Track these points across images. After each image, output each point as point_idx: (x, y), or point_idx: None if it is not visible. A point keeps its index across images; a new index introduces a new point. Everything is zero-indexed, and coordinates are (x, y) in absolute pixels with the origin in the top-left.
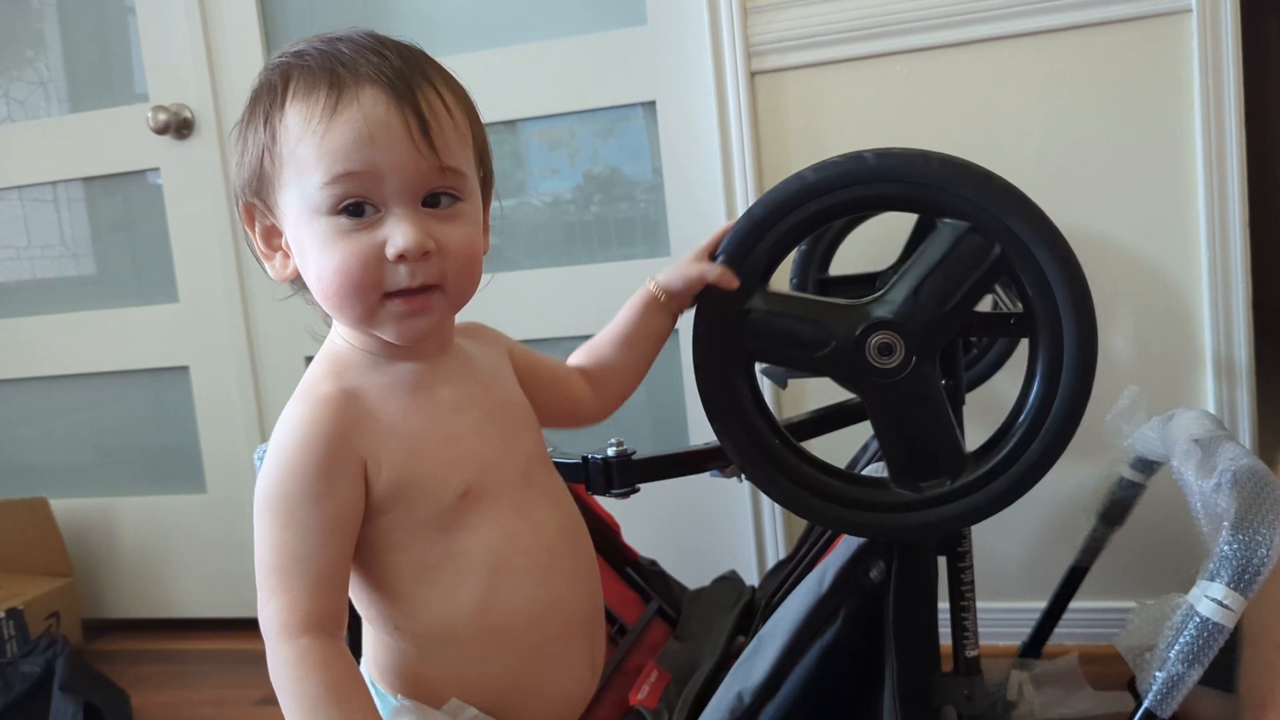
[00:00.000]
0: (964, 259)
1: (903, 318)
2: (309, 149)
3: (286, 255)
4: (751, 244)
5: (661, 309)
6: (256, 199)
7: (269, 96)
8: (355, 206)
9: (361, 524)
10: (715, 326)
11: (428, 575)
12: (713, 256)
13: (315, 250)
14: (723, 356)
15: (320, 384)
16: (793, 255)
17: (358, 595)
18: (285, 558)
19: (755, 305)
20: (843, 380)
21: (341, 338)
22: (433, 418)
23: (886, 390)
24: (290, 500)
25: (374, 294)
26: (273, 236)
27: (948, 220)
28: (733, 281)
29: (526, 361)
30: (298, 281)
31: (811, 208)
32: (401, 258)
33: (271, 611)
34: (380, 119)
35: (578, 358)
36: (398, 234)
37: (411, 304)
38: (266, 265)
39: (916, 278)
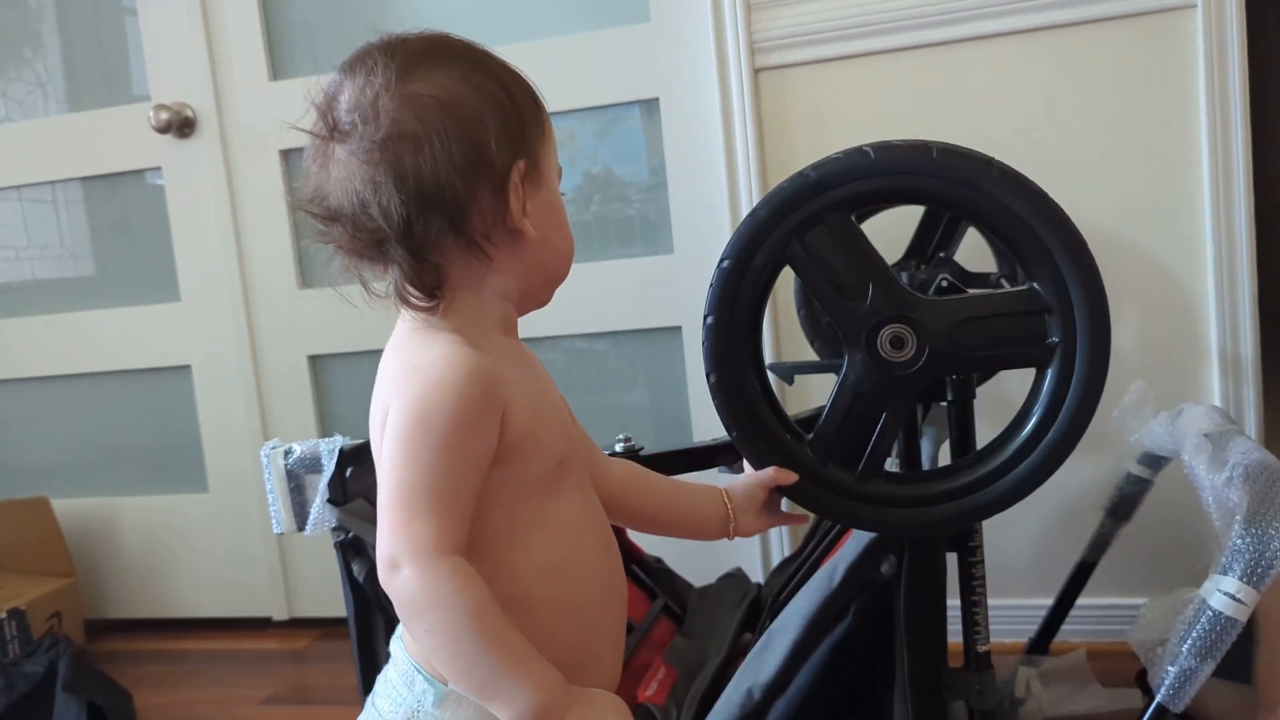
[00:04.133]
0: (1019, 329)
1: (932, 331)
2: (550, 128)
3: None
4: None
5: (722, 519)
6: (528, 159)
7: (508, 71)
8: None
9: None
10: (774, 211)
11: (523, 533)
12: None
13: (560, 214)
14: (748, 260)
15: (447, 341)
16: None
17: None
18: (436, 479)
19: (827, 218)
20: (843, 332)
21: (443, 316)
22: (538, 387)
23: (872, 371)
24: (451, 425)
25: None
26: (519, 202)
27: (1037, 286)
28: (790, 476)
29: None
30: (501, 245)
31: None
32: None
33: (414, 531)
34: None
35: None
36: None
37: None
38: (531, 225)
39: (971, 311)
